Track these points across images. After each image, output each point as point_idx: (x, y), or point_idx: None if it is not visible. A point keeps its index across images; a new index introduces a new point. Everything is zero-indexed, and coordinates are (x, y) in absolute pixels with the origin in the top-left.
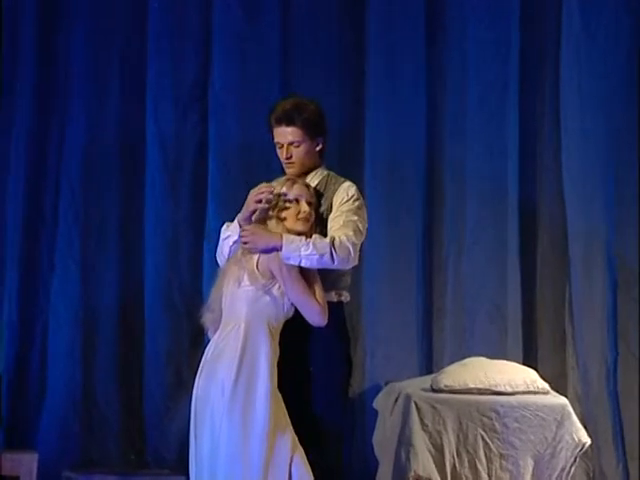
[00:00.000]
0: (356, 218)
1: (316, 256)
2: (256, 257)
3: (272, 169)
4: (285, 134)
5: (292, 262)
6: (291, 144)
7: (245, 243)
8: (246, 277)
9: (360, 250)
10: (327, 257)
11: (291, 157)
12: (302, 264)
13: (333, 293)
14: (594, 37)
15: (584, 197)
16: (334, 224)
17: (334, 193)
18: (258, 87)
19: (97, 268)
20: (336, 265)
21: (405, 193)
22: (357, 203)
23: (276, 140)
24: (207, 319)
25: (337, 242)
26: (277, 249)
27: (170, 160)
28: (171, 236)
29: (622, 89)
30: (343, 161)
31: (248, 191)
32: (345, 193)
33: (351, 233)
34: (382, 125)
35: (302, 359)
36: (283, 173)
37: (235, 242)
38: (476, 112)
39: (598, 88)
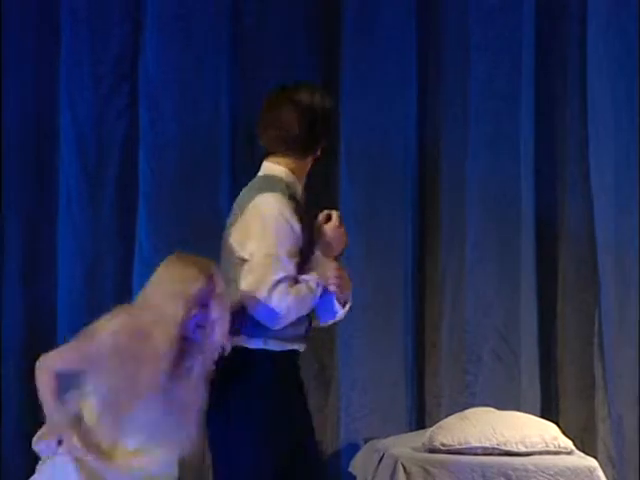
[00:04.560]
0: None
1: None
2: None
3: (220, 169)
4: None
5: None
6: None
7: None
8: None
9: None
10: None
11: None
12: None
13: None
14: None
15: (617, 202)
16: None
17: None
18: (204, 63)
19: None
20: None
21: (390, 199)
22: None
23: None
24: None
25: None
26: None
27: (90, 158)
28: (91, 258)
29: None
30: None
31: (187, 199)
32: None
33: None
34: (360, 112)
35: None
36: (247, 177)
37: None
38: (481, 96)
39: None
